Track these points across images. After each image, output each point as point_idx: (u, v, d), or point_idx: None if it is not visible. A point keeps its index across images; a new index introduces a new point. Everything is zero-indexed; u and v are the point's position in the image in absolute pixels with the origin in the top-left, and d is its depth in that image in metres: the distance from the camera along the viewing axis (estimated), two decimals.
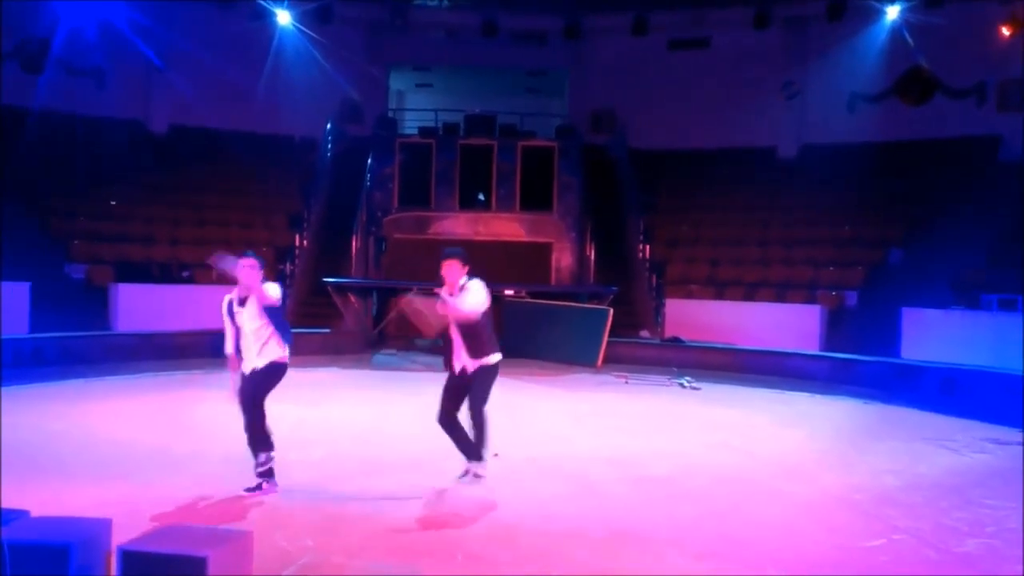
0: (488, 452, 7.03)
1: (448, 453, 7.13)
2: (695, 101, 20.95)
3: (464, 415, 6.99)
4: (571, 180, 19.97)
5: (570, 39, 21.59)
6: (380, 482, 7.03)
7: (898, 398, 12.24)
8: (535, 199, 19.77)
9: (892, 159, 18.77)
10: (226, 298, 6.68)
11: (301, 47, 19.76)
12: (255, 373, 6.56)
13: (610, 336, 15.14)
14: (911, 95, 17.66)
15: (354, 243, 19.23)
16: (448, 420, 6.98)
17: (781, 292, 17.14)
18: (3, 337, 12.38)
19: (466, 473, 7.02)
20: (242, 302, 6.57)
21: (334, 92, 20.24)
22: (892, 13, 18.17)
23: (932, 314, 14.35)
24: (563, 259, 19.67)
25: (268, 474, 6.57)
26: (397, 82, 24.34)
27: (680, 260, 19.07)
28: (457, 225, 19.71)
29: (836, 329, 15.93)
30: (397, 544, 5.57)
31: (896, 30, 18.16)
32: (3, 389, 9.86)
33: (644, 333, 17.33)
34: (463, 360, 6.93)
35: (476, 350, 6.89)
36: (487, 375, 6.94)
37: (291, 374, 6.80)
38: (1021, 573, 5.40)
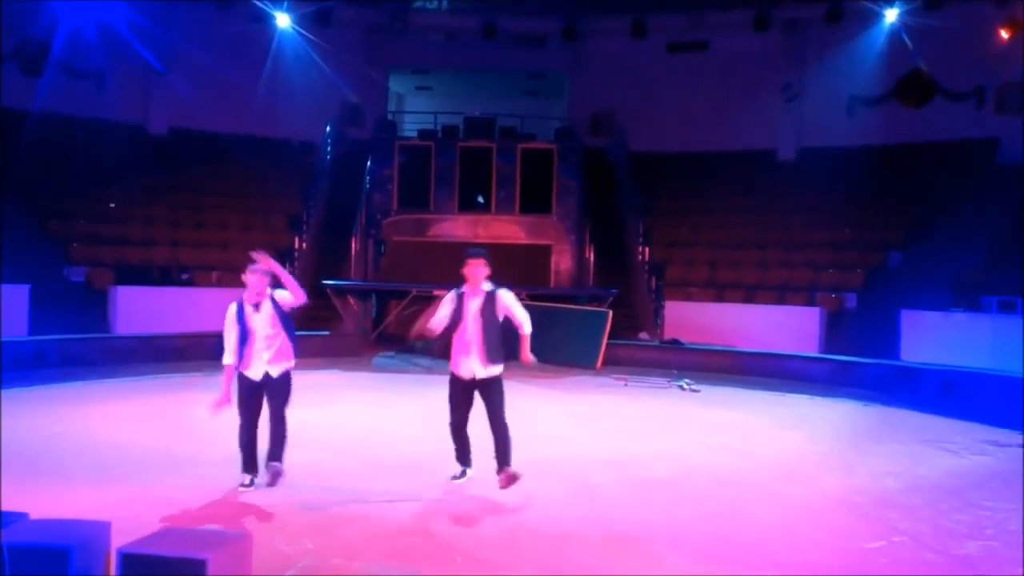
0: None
1: (448, 454, 7.13)
2: (694, 104, 20.97)
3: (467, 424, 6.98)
4: (570, 182, 19.99)
5: (569, 42, 21.63)
6: (380, 484, 7.02)
7: (898, 400, 12.24)
8: (534, 201, 19.79)
9: (891, 162, 18.79)
10: (234, 304, 6.64)
11: (300, 50, 19.78)
12: (273, 383, 6.58)
13: (609, 338, 15.14)
14: (910, 98, 17.68)
15: (353, 245, 19.24)
16: (463, 429, 6.96)
17: (780, 294, 17.15)
18: (3, 339, 12.37)
19: (463, 474, 7.03)
20: (257, 307, 6.57)
21: (333, 95, 20.27)
22: (891, 16, 18.21)
23: (931, 316, 14.36)
24: (562, 261, 19.69)
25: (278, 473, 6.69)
26: (396, 85, 24.37)
27: (679, 262, 19.08)
28: (456, 227, 19.73)
29: (836, 331, 15.94)
30: (396, 546, 5.57)
31: (895, 33, 18.19)
32: (3, 391, 9.86)
33: (643, 335, 17.34)
34: (475, 366, 6.79)
35: (492, 357, 6.82)
36: (499, 383, 6.90)
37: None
38: (1021, 575, 5.40)
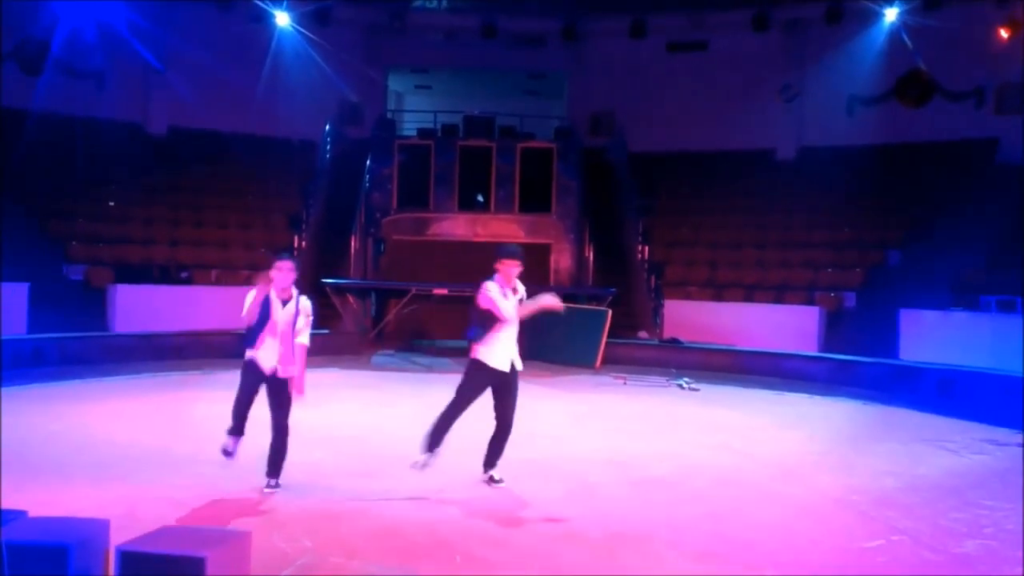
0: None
1: (446, 454, 7.12)
2: (694, 103, 20.97)
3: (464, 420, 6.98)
4: (570, 182, 19.99)
5: (569, 41, 21.62)
6: (379, 483, 7.03)
7: (897, 399, 12.25)
8: (534, 201, 19.80)
9: (891, 161, 18.80)
10: (262, 291, 6.58)
11: (300, 49, 19.78)
12: (279, 385, 6.57)
13: (609, 337, 15.16)
14: (910, 97, 17.69)
15: (353, 244, 19.24)
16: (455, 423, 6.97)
17: (780, 293, 17.16)
18: (2, 338, 12.37)
19: (427, 463, 6.95)
20: (284, 303, 6.60)
21: (333, 94, 20.27)
22: (891, 16, 18.21)
23: (931, 315, 14.36)
24: (562, 260, 19.70)
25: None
26: (396, 84, 24.36)
27: (679, 262, 19.08)
28: (456, 226, 19.73)
29: (835, 330, 15.95)
30: (395, 545, 5.57)
31: (895, 33, 18.19)
32: (2, 390, 9.85)
33: (643, 334, 17.34)
34: (516, 359, 6.89)
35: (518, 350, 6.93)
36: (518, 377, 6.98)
37: None
38: (1020, 574, 5.40)
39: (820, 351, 15.40)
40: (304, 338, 6.66)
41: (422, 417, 10.21)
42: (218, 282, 16.97)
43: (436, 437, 6.94)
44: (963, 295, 14.63)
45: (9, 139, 16.33)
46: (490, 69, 23.14)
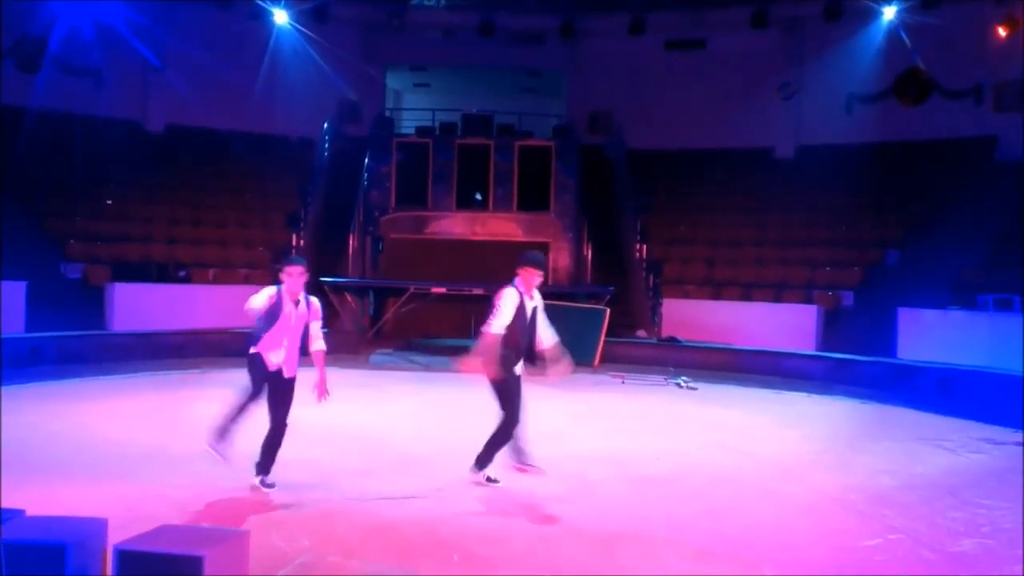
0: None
1: (444, 453, 7.13)
2: (692, 102, 20.96)
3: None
4: (568, 180, 19.99)
5: (567, 39, 21.60)
6: (377, 482, 7.03)
7: (894, 398, 12.26)
8: (532, 199, 19.79)
9: (889, 160, 18.80)
10: (270, 291, 6.57)
11: (298, 47, 19.76)
12: (283, 384, 6.57)
13: (607, 336, 15.15)
14: (908, 96, 17.68)
15: (351, 242, 19.22)
16: None
17: (778, 292, 17.16)
18: (0, 336, 12.35)
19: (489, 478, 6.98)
20: (296, 304, 6.61)
21: (331, 92, 20.22)
22: (889, 14, 18.20)
23: (929, 314, 14.37)
24: (560, 259, 19.69)
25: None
26: (394, 82, 24.33)
27: (677, 260, 19.08)
28: (454, 225, 19.73)
29: (833, 329, 15.96)
30: (394, 544, 5.57)
31: (893, 31, 18.19)
32: (0, 388, 9.84)
33: (641, 333, 17.34)
34: (522, 364, 6.94)
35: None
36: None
37: None
38: (1017, 574, 5.41)
39: (818, 350, 15.40)
40: (321, 344, 6.75)
41: (420, 416, 10.25)
42: (216, 281, 16.96)
43: (486, 455, 6.93)
44: (961, 294, 14.64)
45: (7, 137, 16.30)
46: (488, 67, 23.13)
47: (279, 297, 6.56)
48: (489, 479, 6.98)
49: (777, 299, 16.93)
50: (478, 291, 15.86)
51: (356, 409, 10.44)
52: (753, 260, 18.55)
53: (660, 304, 17.57)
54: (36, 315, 13.89)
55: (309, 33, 19.61)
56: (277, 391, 6.59)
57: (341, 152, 21.22)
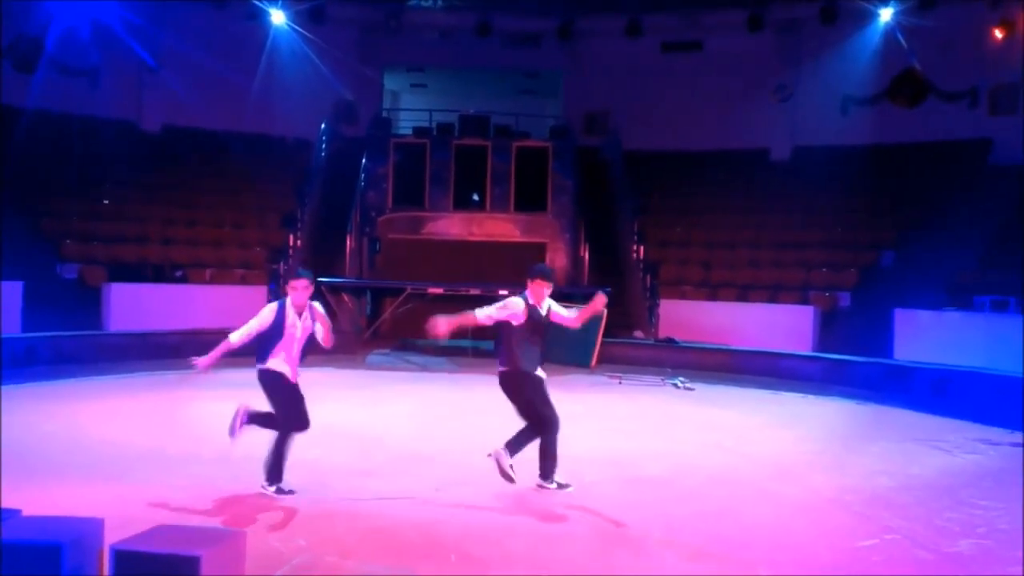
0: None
1: (442, 453, 7.12)
2: (688, 103, 20.99)
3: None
4: (565, 181, 20.00)
5: (564, 40, 21.61)
6: (374, 482, 7.03)
7: (890, 399, 12.28)
8: (529, 200, 19.80)
9: (885, 162, 18.83)
10: (277, 303, 6.69)
11: (295, 47, 19.75)
12: (294, 388, 6.63)
13: (604, 337, 15.15)
14: (903, 98, 17.72)
15: (348, 243, 19.21)
16: None
17: (774, 293, 17.18)
18: None
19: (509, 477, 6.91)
20: (299, 315, 6.65)
21: (328, 92, 20.23)
22: (885, 16, 18.24)
23: (925, 315, 14.40)
24: (557, 260, 19.69)
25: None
26: (391, 82, 24.32)
27: (674, 261, 19.10)
28: (451, 225, 19.73)
29: (829, 330, 15.98)
30: (390, 544, 5.57)
31: (889, 33, 18.23)
32: None
33: (638, 334, 17.36)
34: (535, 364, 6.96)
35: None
36: None
37: None
38: (1014, 574, 5.41)
39: (814, 351, 15.42)
40: (332, 342, 6.84)
41: (417, 416, 10.24)
42: (212, 281, 16.94)
43: (550, 464, 6.92)
44: (957, 295, 14.68)
45: (3, 137, 16.29)
46: (486, 68, 23.13)
47: (282, 312, 6.59)
48: (560, 485, 6.90)
49: (773, 300, 16.95)
50: (475, 291, 15.85)
51: (353, 409, 10.44)
52: (749, 261, 18.57)
53: (657, 305, 17.58)
54: (32, 315, 13.87)
55: (306, 33, 19.60)
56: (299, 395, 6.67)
57: (338, 153, 21.21)
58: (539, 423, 6.81)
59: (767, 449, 8.95)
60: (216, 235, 18.55)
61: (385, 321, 17.43)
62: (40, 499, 5.85)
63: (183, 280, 16.79)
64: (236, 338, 6.58)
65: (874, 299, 15.80)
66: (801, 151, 20.61)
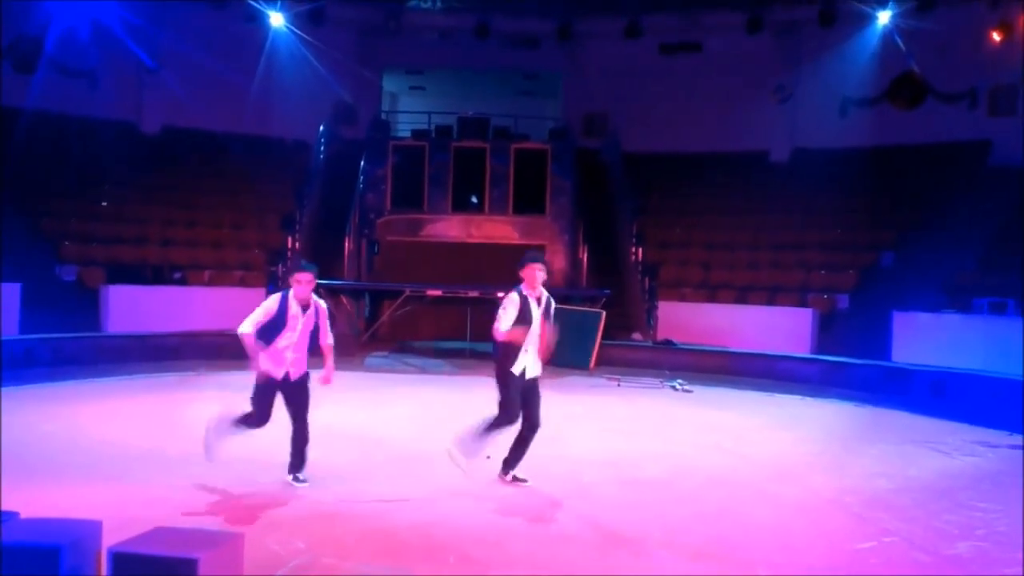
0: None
1: (441, 455, 7.11)
2: (688, 105, 20.99)
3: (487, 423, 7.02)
4: (564, 183, 20.00)
5: (563, 42, 21.60)
6: (372, 484, 7.03)
7: (889, 401, 12.28)
8: (528, 202, 19.80)
9: (884, 163, 18.83)
10: (280, 294, 6.78)
11: (294, 49, 19.73)
12: (293, 386, 6.74)
13: (603, 338, 15.16)
14: (903, 99, 17.73)
15: (347, 245, 19.21)
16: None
17: (773, 295, 17.18)
18: None
19: (516, 480, 7.07)
20: (303, 309, 6.73)
21: (327, 94, 20.22)
22: (884, 18, 18.24)
23: (923, 317, 14.40)
24: (556, 262, 19.67)
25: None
26: (390, 84, 24.32)
27: (672, 263, 19.10)
28: (450, 227, 19.73)
29: (827, 332, 15.98)
30: (389, 546, 5.57)
31: (888, 35, 18.23)
32: None
33: (637, 336, 17.35)
34: (535, 364, 6.98)
35: (541, 356, 7.01)
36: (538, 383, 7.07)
37: None
38: None
39: (813, 353, 15.43)
40: (330, 339, 6.93)
41: (415, 418, 10.24)
42: (211, 283, 16.93)
43: (484, 445, 6.99)
44: (956, 297, 14.68)
45: (2, 138, 16.28)
46: (485, 70, 23.13)
47: (284, 303, 6.66)
48: (516, 479, 7.03)
49: (772, 302, 16.95)
50: (474, 294, 15.88)
51: (352, 411, 10.42)
52: (748, 263, 18.58)
53: (656, 307, 17.58)
54: (31, 317, 13.85)
55: (305, 35, 19.59)
56: (290, 393, 6.75)
57: (337, 154, 21.21)
58: (499, 411, 6.88)
59: (766, 451, 8.95)
60: (215, 236, 18.55)
61: (384, 323, 17.43)
62: (39, 500, 5.84)
63: (182, 282, 16.78)
64: (250, 327, 6.64)
65: (873, 301, 15.80)
66: (800, 153, 20.62)
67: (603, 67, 21.85)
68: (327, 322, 6.92)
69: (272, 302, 6.74)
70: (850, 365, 14.21)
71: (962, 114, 17.80)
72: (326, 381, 6.89)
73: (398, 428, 9.55)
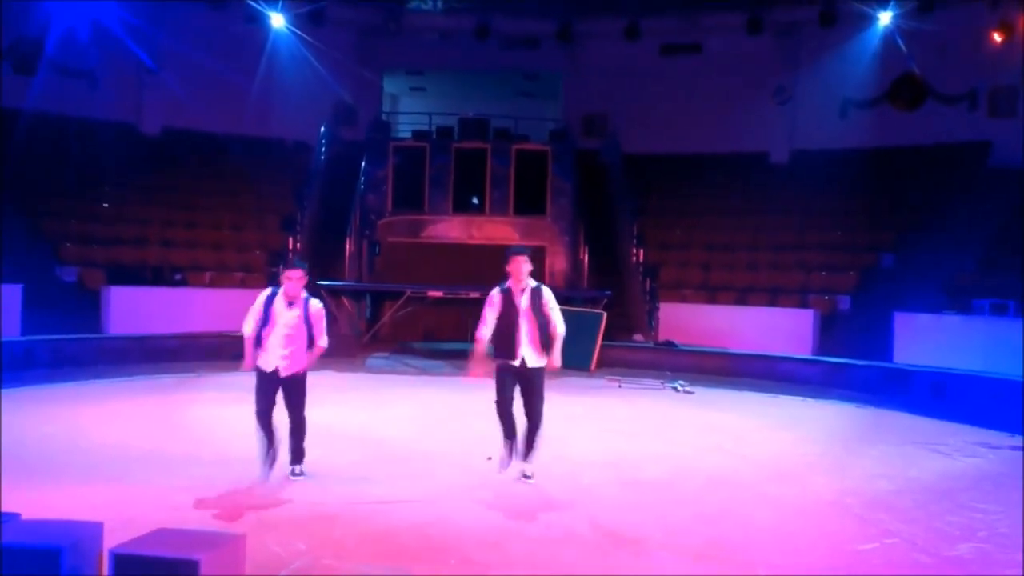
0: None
1: (441, 456, 7.12)
2: (688, 106, 21.01)
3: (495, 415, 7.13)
4: (564, 184, 20.00)
5: (563, 43, 21.62)
6: (372, 485, 7.02)
7: (890, 402, 12.27)
8: (529, 203, 19.79)
9: (884, 164, 18.84)
10: (268, 290, 6.95)
11: (295, 50, 19.74)
12: (288, 382, 6.82)
13: (604, 340, 15.15)
14: (903, 101, 17.74)
15: (347, 246, 19.21)
16: (511, 408, 7.09)
17: (773, 296, 17.18)
18: None
19: (511, 450, 7.14)
20: (290, 305, 6.83)
21: (327, 95, 20.23)
22: (884, 19, 18.25)
23: (924, 318, 14.40)
24: (557, 263, 19.69)
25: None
26: (391, 85, 24.35)
27: (673, 264, 19.10)
28: (451, 229, 19.73)
29: (828, 333, 15.98)
30: (389, 547, 5.57)
31: (888, 36, 18.25)
32: None
33: (637, 337, 17.35)
34: (527, 354, 6.99)
35: (542, 348, 7.04)
36: (542, 375, 7.12)
37: None
38: None
39: (814, 354, 15.42)
40: (323, 341, 6.96)
41: (416, 420, 10.24)
42: (212, 284, 16.93)
43: (505, 428, 7.11)
44: (956, 298, 14.67)
45: (2, 139, 16.28)
46: (485, 70, 23.13)
47: (271, 299, 6.84)
48: (524, 475, 7.15)
49: (773, 303, 16.94)
50: (474, 294, 15.84)
51: (353, 412, 10.44)
52: (748, 264, 18.58)
53: (656, 308, 17.58)
54: (31, 318, 13.84)
55: (305, 36, 19.59)
56: (285, 388, 6.84)
57: (337, 156, 21.22)
58: None
59: (767, 452, 8.94)
60: (215, 238, 18.54)
61: (385, 324, 17.43)
62: (40, 502, 5.84)
63: (182, 283, 16.77)
64: (249, 329, 6.83)
65: (873, 302, 15.80)
66: (800, 154, 20.62)
67: (603, 68, 21.86)
68: (322, 322, 6.95)
69: (260, 300, 6.87)
70: (851, 366, 14.21)
71: (962, 115, 17.80)
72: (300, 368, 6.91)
73: (399, 429, 9.55)
